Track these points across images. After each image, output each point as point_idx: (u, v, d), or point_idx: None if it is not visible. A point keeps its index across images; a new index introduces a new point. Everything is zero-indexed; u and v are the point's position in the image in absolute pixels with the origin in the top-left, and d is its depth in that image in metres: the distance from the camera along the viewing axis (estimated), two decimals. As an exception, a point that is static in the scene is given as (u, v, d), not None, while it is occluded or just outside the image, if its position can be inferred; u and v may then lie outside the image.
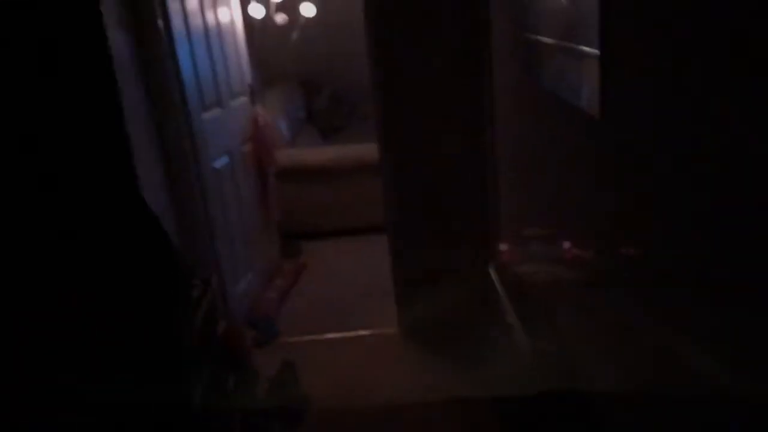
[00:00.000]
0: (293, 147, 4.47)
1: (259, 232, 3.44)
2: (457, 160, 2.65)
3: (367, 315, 3.17)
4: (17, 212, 1.10)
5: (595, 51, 1.22)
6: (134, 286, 1.30)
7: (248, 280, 3.24)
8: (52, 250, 1.12)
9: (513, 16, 1.96)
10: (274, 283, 3.48)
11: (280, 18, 3.72)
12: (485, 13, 2.33)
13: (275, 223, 3.70)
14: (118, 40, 2.25)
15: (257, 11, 3.58)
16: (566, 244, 1.64)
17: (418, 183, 2.70)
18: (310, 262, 3.84)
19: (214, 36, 2.96)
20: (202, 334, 1.83)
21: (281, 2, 3.70)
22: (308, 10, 3.90)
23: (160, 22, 2.46)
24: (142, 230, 1.36)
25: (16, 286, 1.10)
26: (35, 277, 1.13)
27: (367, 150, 4.00)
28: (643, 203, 1.13)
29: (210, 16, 2.92)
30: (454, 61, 2.51)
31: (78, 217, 1.17)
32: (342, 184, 4.05)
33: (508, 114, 2.25)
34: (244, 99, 3.31)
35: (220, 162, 2.96)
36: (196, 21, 2.76)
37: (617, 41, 1.15)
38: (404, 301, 2.91)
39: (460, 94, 2.55)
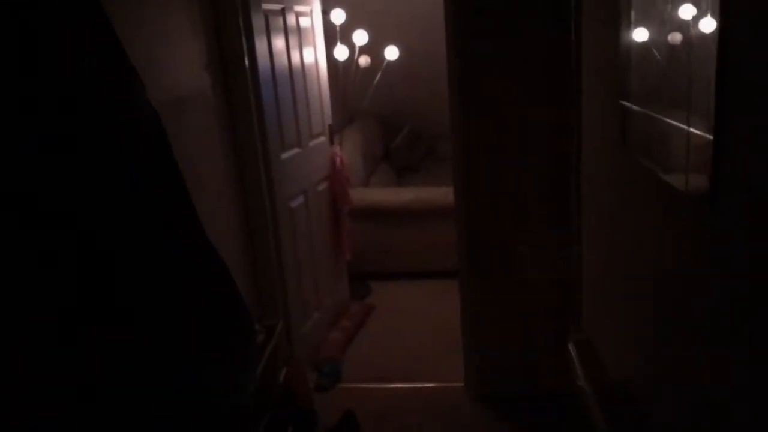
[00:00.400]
0: (368, 186, 4.47)
1: (329, 271, 3.42)
2: (537, 220, 2.53)
3: (433, 365, 3.07)
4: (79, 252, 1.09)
5: (708, 136, 1.08)
6: (195, 336, 1.28)
7: (315, 320, 3.21)
8: (107, 293, 1.11)
9: (607, 78, 1.85)
10: (341, 324, 3.44)
11: (364, 60, 3.76)
12: (577, 67, 2.23)
13: (346, 263, 3.68)
14: (203, 80, 2.31)
15: (341, 53, 3.64)
16: (657, 333, 1.50)
17: (493, 234, 2.60)
18: (378, 303, 3.78)
19: (298, 76, 3.01)
20: (263, 382, 1.79)
21: (365, 45, 3.74)
22: (392, 54, 3.93)
23: (247, 62, 2.52)
24: (206, 278, 1.34)
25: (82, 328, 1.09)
26: (98, 318, 1.12)
27: (442, 193, 3.95)
28: (757, 298, 1.00)
29: (295, 57, 2.98)
30: (539, 114, 2.42)
31: (139, 260, 1.15)
32: (416, 226, 3.99)
33: (596, 179, 2.11)
34: (323, 139, 3.33)
35: (296, 201, 2.98)
36: (281, 61, 2.81)
37: (734, 124, 1.03)
38: (472, 356, 2.79)
39: (544, 149, 2.45)
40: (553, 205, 2.49)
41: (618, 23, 1.60)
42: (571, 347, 2.04)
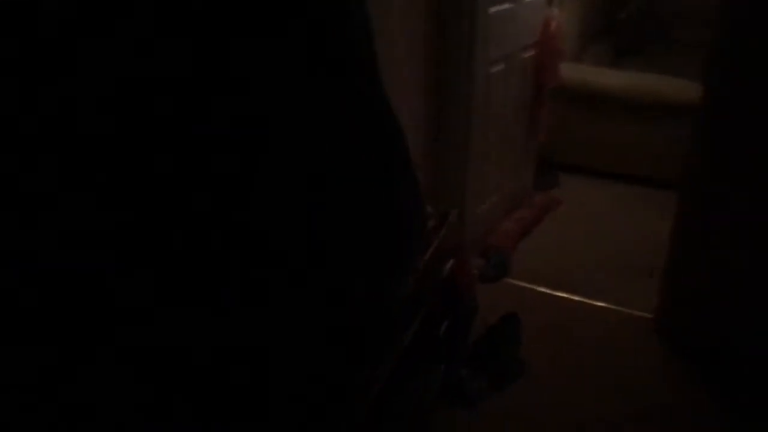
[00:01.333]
0: (579, 62, 3.83)
1: (517, 153, 3.02)
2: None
3: (618, 285, 2.64)
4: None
5: None
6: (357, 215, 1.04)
7: (492, 203, 2.89)
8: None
9: None
10: (518, 213, 3.10)
11: None
12: None
13: (536, 146, 3.23)
14: None
15: None
16: None
17: (743, 148, 2.00)
18: (565, 199, 3.34)
19: None
20: (426, 272, 1.55)
21: None
22: None
23: None
24: (377, 146, 1.07)
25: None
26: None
27: (673, 86, 3.25)
28: None
29: None
30: None
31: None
32: (632, 120, 3.36)
33: None
34: (541, -4, 2.78)
35: (496, 67, 2.54)
36: None
37: None
38: (674, 287, 2.32)
39: None
40: None
41: None
42: None
